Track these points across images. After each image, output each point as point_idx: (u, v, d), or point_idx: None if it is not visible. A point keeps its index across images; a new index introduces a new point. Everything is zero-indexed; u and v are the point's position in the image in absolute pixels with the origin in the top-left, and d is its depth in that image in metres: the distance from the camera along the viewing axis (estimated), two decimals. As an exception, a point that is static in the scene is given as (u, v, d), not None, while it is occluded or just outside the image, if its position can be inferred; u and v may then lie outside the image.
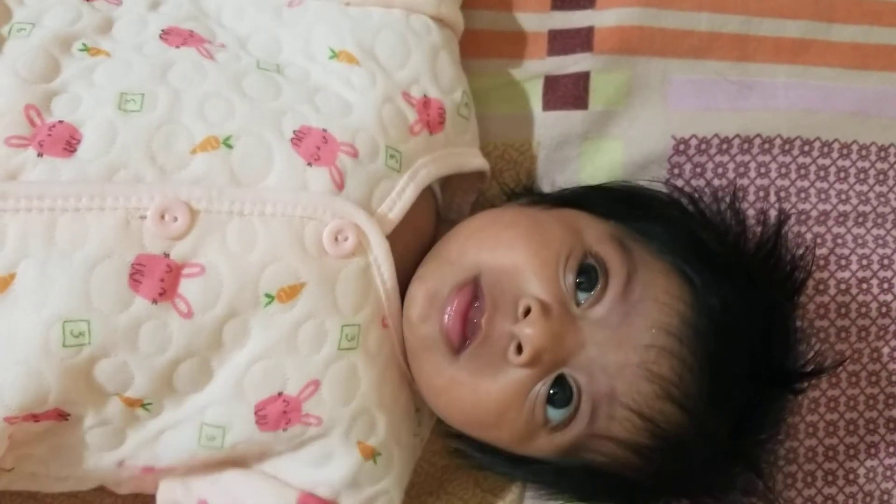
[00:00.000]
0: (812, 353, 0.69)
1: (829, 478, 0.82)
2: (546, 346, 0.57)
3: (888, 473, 0.83)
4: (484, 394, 0.59)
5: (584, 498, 0.68)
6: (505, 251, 0.60)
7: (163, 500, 0.65)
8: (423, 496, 0.75)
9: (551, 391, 0.58)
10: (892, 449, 0.83)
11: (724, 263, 0.63)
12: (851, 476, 0.82)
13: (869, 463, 0.83)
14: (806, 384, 0.70)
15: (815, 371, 0.69)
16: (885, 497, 0.83)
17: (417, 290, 0.60)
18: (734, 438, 0.64)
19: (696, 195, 0.71)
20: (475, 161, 0.68)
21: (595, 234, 0.62)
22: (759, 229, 0.69)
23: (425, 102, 0.63)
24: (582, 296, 0.59)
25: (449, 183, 0.72)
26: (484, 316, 0.58)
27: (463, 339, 0.58)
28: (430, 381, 0.61)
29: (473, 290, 0.59)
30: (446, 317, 0.58)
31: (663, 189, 0.73)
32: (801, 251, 0.70)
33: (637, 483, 0.62)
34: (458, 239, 0.62)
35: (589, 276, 0.59)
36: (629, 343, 0.58)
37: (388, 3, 0.65)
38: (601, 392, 0.58)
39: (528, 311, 0.57)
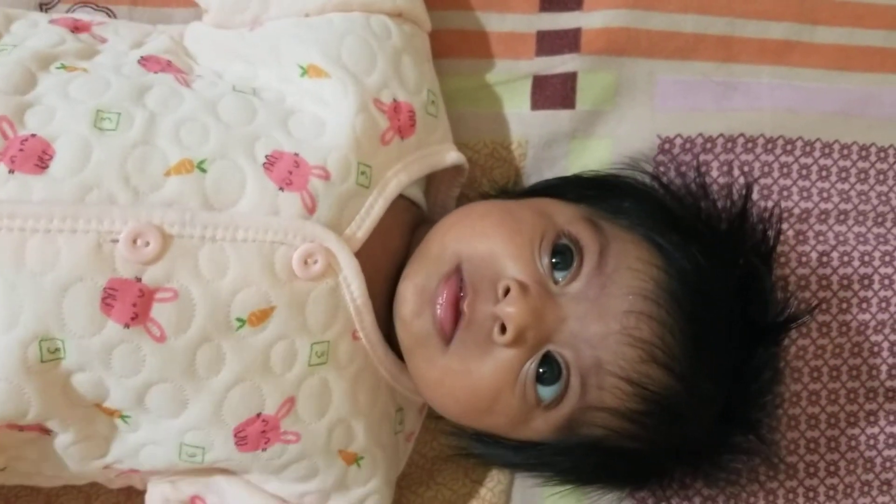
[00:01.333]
0: (788, 302, 0.70)
1: (811, 469, 0.84)
2: (528, 323, 0.58)
3: (868, 466, 0.85)
4: (476, 379, 0.60)
5: (589, 478, 0.68)
6: (481, 239, 0.61)
7: (152, 499, 0.66)
8: (413, 487, 0.77)
9: (540, 370, 0.59)
10: (872, 441, 0.85)
11: (692, 227, 0.65)
12: (832, 468, 0.84)
13: (850, 455, 0.84)
14: (787, 334, 0.71)
15: (793, 318, 0.69)
16: (866, 489, 0.85)
17: (406, 289, 0.61)
18: (729, 400, 0.64)
19: (661, 171, 0.72)
20: (449, 156, 0.69)
21: (566, 216, 0.63)
22: (727, 202, 0.70)
23: (395, 107, 0.63)
24: (559, 275, 0.60)
25: (432, 181, 0.73)
26: (466, 301, 0.59)
27: (454, 327, 0.60)
28: (425, 374, 0.62)
29: (459, 280, 0.60)
30: (438, 308, 0.59)
31: (630, 173, 0.74)
32: (769, 213, 0.70)
33: (638, 456, 0.63)
34: (436, 236, 0.64)
35: (564, 255, 0.61)
36: (608, 312, 0.59)
37: (347, 6, 0.65)
38: (588, 364, 0.59)
39: (507, 292, 0.59)
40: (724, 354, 0.63)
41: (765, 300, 0.67)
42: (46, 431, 0.57)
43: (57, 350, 0.53)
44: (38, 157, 0.54)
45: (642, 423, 0.60)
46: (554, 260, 0.61)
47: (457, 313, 0.59)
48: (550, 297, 0.60)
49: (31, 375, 0.53)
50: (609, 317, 0.59)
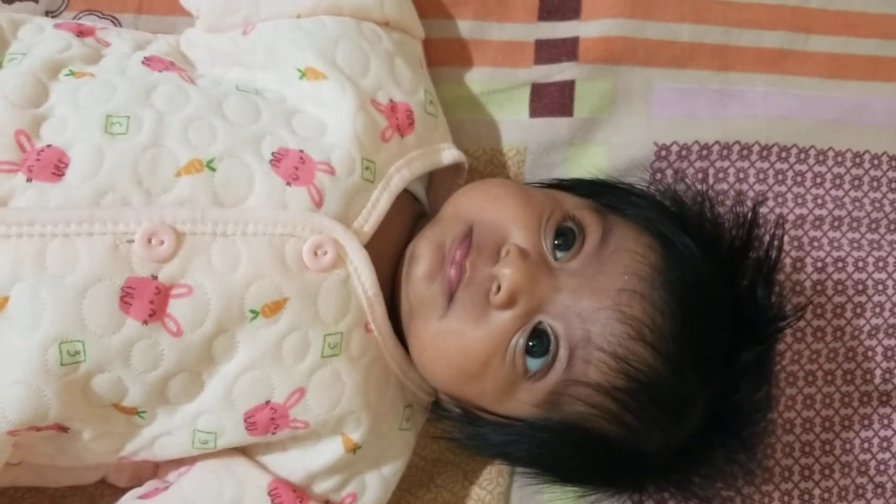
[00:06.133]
0: (781, 303, 0.70)
1: (806, 472, 0.85)
2: (521, 285, 0.59)
3: (863, 469, 0.86)
4: (469, 342, 0.61)
5: (569, 466, 0.68)
6: (494, 204, 0.64)
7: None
8: (413, 489, 0.77)
9: (530, 343, 0.61)
10: (866, 445, 0.86)
11: (695, 224, 0.67)
12: (827, 471, 0.85)
13: (844, 458, 0.85)
14: (777, 335, 0.71)
15: (783, 317, 0.70)
16: (860, 492, 0.86)
17: (422, 245, 0.63)
18: (715, 405, 0.65)
19: (659, 178, 0.74)
20: (448, 154, 0.70)
21: (573, 203, 0.66)
22: (730, 213, 0.70)
23: (392, 107, 0.65)
24: (560, 255, 0.62)
25: (432, 180, 0.74)
26: (469, 259, 0.61)
27: (458, 285, 0.61)
28: (422, 334, 0.63)
29: (469, 244, 0.62)
30: (451, 269, 0.61)
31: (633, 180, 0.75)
32: (774, 230, 0.71)
33: (618, 445, 0.63)
34: (452, 201, 0.67)
35: (566, 237, 0.63)
36: (603, 289, 0.60)
37: (338, 9, 0.67)
38: (577, 336, 0.60)
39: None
40: (712, 346, 0.63)
41: (758, 300, 0.68)
42: (64, 429, 0.58)
43: (77, 353, 0.54)
44: (55, 166, 0.55)
45: (623, 403, 0.60)
46: (557, 242, 0.63)
47: (461, 273, 0.61)
48: (548, 268, 0.62)
49: (49, 378, 0.54)
50: (602, 293, 0.60)
